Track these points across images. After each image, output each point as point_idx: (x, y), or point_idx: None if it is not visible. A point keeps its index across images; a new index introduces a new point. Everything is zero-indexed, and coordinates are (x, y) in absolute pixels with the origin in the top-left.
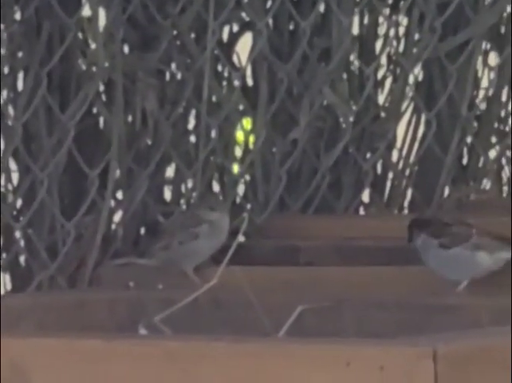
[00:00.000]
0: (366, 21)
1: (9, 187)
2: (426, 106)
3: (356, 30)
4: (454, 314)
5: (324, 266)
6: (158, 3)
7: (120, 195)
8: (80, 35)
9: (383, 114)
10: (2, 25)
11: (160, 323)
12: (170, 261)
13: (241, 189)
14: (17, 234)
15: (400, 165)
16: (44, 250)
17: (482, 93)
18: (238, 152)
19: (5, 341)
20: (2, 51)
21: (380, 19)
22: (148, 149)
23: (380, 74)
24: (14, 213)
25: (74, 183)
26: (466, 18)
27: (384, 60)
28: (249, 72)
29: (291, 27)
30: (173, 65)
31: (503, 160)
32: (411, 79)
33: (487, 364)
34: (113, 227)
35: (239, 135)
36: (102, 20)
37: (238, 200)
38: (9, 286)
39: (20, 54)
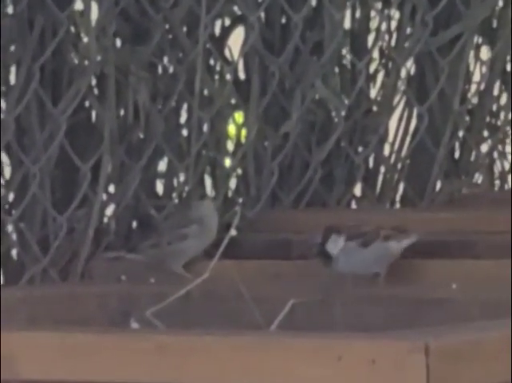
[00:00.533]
0: (358, 15)
1: (1, 180)
2: (418, 100)
3: (348, 24)
4: (446, 308)
5: (315, 260)
6: None
7: (112, 188)
8: (72, 29)
9: (375, 108)
10: None
11: (152, 317)
12: (158, 259)
13: (233, 183)
14: (9, 227)
15: (392, 159)
16: (36, 244)
17: (473, 87)
18: (230, 145)
19: None
20: None
21: (372, 13)
22: (140, 143)
23: (372, 68)
24: (6, 207)
25: (66, 177)
26: (458, 12)
27: (376, 54)
28: (241, 66)
29: (283, 21)
30: (165, 59)
31: (495, 154)
32: (403, 73)
33: (479, 357)
34: (105, 220)
35: (231, 129)
36: (94, 13)
37: (229, 194)
38: (1, 280)
39: (12, 48)
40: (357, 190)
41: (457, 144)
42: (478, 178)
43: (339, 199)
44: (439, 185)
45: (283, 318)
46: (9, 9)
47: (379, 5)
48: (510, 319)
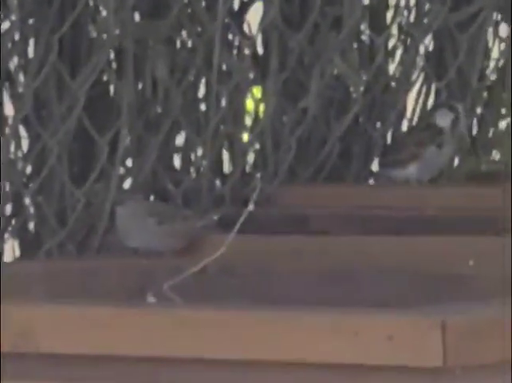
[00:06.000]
0: None
1: (19, 153)
2: (436, 76)
3: (367, 0)
4: (465, 285)
5: (334, 235)
6: None
7: (129, 162)
8: (91, 2)
9: (393, 84)
10: None
11: (169, 291)
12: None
13: (250, 158)
14: (27, 200)
15: None
16: (53, 217)
17: (492, 64)
18: (248, 120)
19: (14, 308)
20: (14, 17)
21: None
22: (158, 117)
23: (390, 44)
24: (24, 180)
25: (84, 151)
26: None
27: (394, 30)
28: (259, 40)
29: None
30: (184, 33)
31: None
32: (421, 49)
33: (496, 335)
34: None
35: (249, 103)
36: None
37: (247, 169)
38: (17, 253)
39: (31, 21)
40: (375, 165)
41: (475, 121)
42: (496, 155)
43: (356, 175)
44: (456, 162)
45: (300, 293)
46: None
47: None
48: None
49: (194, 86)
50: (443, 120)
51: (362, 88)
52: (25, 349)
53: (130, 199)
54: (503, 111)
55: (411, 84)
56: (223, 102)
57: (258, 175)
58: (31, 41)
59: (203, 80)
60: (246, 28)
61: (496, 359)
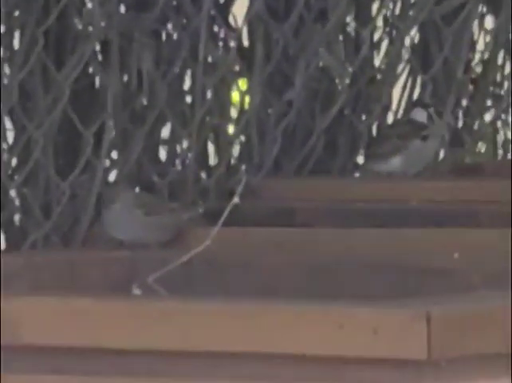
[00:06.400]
0: None
1: (4, 145)
2: (422, 69)
3: None
4: (448, 278)
5: (319, 228)
6: None
7: (114, 154)
8: None
9: (378, 76)
10: None
11: (154, 283)
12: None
13: (236, 150)
14: (12, 192)
15: None
16: (38, 209)
17: (477, 56)
18: (234, 112)
19: None
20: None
21: None
22: (144, 109)
23: (376, 36)
24: (9, 172)
25: (69, 143)
26: None
27: (380, 22)
28: (245, 33)
29: None
30: (169, 25)
31: (498, 123)
32: (407, 41)
33: (480, 327)
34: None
35: (235, 95)
36: None
37: (232, 161)
38: (3, 245)
39: (16, 13)
40: (360, 158)
41: (460, 113)
42: (481, 147)
43: (342, 167)
44: (442, 154)
45: (286, 286)
46: None
47: None
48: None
49: (180, 78)
50: (419, 117)
51: (347, 81)
52: (10, 341)
53: (117, 190)
54: (488, 103)
55: (396, 77)
56: (209, 94)
57: (244, 167)
58: (16, 33)
59: (189, 73)
60: (231, 20)
61: (480, 351)
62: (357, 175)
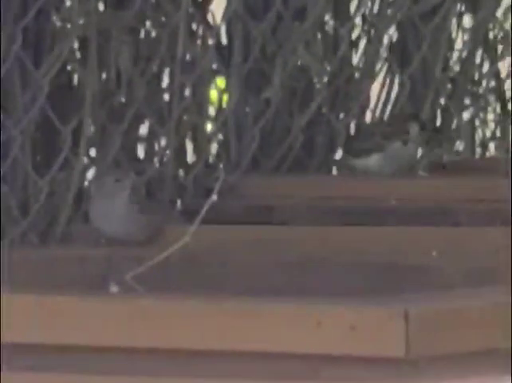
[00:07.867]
0: None
1: None
2: (400, 67)
3: None
4: (426, 276)
5: (297, 226)
6: None
7: (93, 152)
8: None
9: (357, 75)
10: None
11: (132, 281)
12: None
13: (214, 148)
14: None
15: None
16: (16, 207)
17: (456, 55)
18: (212, 110)
19: None
20: None
21: None
22: (122, 107)
23: (354, 35)
24: None
25: (47, 140)
26: None
27: (358, 20)
28: (223, 31)
29: None
30: (147, 23)
31: (476, 122)
32: (385, 40)
33: (458, 325)
34: (86, 184)
35: (213, 93)
36: None
37: (210, 159)
38: None
39: None
40: (338, 156)
41: (439, 112)
42: (460, 145)
43: (319, 165)
44: (420, 152)
45: (263, 283)
46: None
47: None
48: (492, 287)
49: (158, 76)
50: (412, 131)
51: (325, 79)
52: None
53: (109, 179)
54: (467, 101)
55: (374, 75)
56: (187, 92)
57: (221, 165)
58: None
59: (167, 71)
60: (210, 18)
61: (459, 350)
62: (334, 172)
